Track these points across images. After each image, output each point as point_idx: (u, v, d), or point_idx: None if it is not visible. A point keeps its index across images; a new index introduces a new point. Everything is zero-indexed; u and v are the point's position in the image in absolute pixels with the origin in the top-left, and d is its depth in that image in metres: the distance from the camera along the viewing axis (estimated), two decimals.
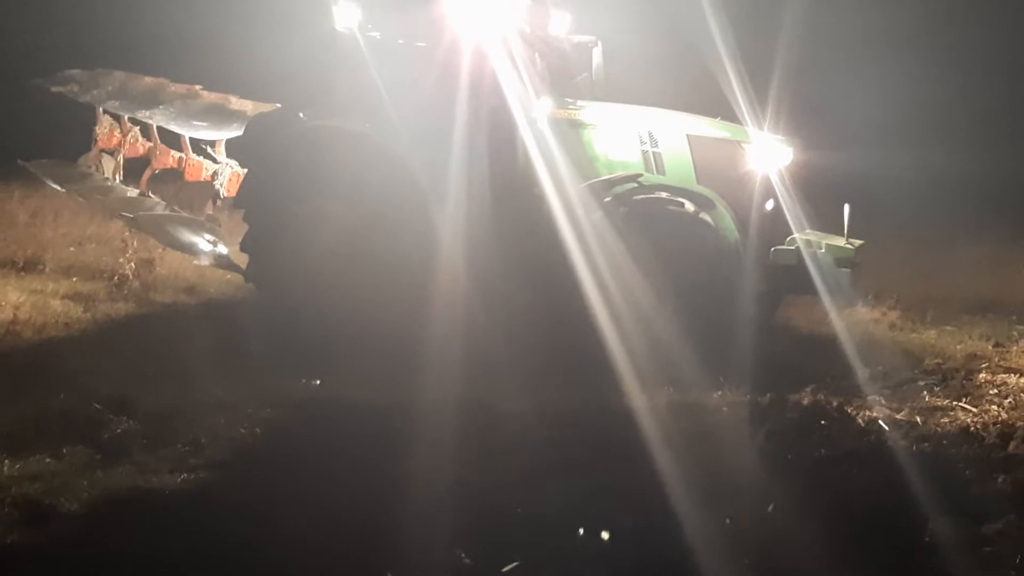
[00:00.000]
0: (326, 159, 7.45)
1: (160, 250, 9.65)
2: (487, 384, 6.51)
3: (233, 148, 9.02)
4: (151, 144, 9.87)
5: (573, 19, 8.50)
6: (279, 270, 7.67)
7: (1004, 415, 6.03)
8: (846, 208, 7.18)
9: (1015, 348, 7.87)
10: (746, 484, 4.93)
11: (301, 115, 7.92)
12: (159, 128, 9.51)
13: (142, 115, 9.26)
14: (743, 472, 5.15)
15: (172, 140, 9.67)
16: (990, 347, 7.95)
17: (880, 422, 5.94)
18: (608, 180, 7.41)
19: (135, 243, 9.50)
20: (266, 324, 7.63)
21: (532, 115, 7.39)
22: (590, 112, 7.71)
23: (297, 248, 7.59)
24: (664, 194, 7.24)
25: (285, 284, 7.64)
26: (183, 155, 9.62)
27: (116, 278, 9.15)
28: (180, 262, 9.72)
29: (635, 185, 7.35)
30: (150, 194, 9.65)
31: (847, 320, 7.42)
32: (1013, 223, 10.95)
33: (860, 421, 5.94)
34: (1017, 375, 6.97)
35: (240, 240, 7.94)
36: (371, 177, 7.36)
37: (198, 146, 9.40)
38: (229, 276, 9.02)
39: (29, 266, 9.64)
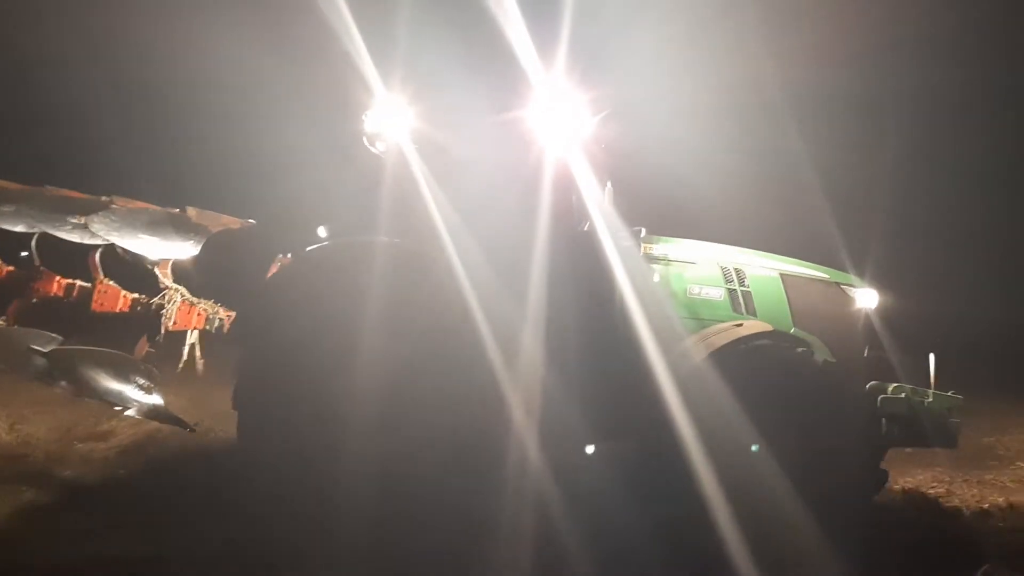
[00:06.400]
0: (373, 281, 5.77)
1: None
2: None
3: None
4: (11, 268, 7.39)
5: None
6: (287, 428, 5.78)
7: None
8: (931, 358, 6.79)
9: None
10: None
11: (322, 230, 6.24)
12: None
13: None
14: None
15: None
16: None
17: None
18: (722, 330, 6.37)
19: None
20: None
21: (624, 246, 6.32)
22: (667, 246, 6.78)
23: (316, 398, 5.77)
24: (778, 339, 6.30)
25: (295, 448, 5.74)
26: (75, 281, 7.30)
27: None
28: None
29: (740, 328, 6.41)
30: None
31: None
32: None
33: None
34: None
35: (232, 392, 5.91)
36: (432, 306, 5.84)
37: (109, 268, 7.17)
38: None
39: None
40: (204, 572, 5.21)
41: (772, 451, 5.80)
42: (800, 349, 6.21)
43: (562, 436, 6.08)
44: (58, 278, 7.29)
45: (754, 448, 5.74)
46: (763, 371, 5.96)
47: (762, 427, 5.78)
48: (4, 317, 7.12)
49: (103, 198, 7.16)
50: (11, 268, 7.44)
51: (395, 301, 5.72)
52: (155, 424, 8.48)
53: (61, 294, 7.30)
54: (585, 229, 6.32)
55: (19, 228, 7.19)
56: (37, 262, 7.26)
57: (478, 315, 5.85)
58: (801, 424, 5.89)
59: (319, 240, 6.22)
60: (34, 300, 7.26)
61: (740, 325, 6.24)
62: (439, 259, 5.89)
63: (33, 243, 7.26)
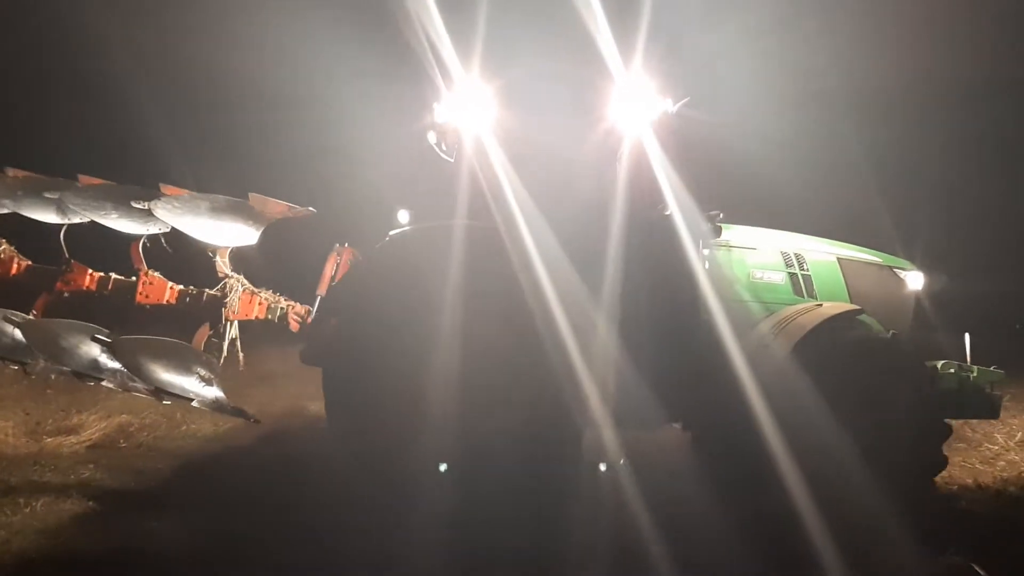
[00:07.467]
0: (456, 264, 5.80)
1: None
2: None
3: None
4: (28, 263, 6.95)
5: None
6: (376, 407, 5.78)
7: None
8: (967, 337, 7.13)
9: None
10: None
11: (403, 214, 6.14)
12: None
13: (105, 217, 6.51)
14: None
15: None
16: None
17: None
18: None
19: None
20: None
21: (700, 230, 6.42)
22: (729, 233, 6.85)
23: (404, 379, 5.77)
24: (860, 320, 6.42)
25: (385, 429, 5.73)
26: (109, 274, 6.92)
27: None
28: None
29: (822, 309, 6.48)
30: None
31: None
32: None
33: None
34: None
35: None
36: (513, 288, 5.83)
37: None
38: None
39: None
40: (176, 567, 5.10)
41: (848, 430, 5.93)
42: (889, 332, 6.37)
43: (640, 419, 6.15)
44: (90, 271, 6.91)
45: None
46: (852, 351, 6.10)
47: (847, 406, 5.87)
48: (33, 312, 6.73)
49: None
50: (29, 263, 7.03)
51: (478, 282, 5.75)
52: (125, 418, 8.52)
53: (94, 288, 6.92)
54: (665, 214, 6.37)
55: (50, 218, 6.78)
56: (66, 255, 6.88)
57: (558, 298, 5.87)
58: (884, 403, 6.09)
59: (390, 228, 6.14)
60: (65, 294, 6.87)
61: (820, 306, 6.41)
62: (519, 242, 5.87)
63: (62, 236, 6.87)
